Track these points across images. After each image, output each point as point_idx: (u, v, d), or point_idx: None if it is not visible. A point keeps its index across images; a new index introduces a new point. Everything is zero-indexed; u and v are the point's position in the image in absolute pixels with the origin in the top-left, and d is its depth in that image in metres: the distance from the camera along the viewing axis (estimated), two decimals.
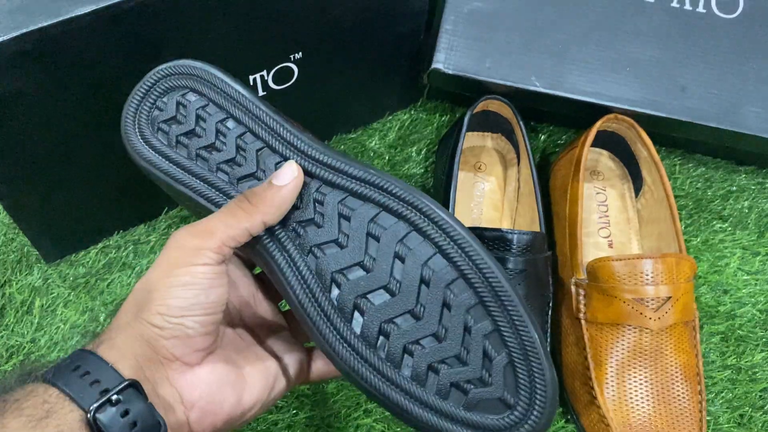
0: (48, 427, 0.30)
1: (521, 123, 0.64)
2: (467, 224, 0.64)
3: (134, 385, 0.32)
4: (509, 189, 0.67)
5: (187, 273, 0.35)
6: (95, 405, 0.31)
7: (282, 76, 0.59)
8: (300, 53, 0.58)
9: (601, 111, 0.63)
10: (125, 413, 0.31)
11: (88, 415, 0.30)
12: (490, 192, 0.67)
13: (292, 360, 0.42)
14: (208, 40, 0.52)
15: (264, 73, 0.58)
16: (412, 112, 0.74)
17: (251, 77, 0.57)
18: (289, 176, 0.38)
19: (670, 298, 0.54)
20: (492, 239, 0.56)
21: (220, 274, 0.36)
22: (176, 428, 0.34)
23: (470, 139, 0.70)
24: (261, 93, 0.60)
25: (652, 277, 0.54)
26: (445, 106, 0.74)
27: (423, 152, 0.72)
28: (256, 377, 0.39)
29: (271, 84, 0.59)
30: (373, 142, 0.71)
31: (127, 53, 0.49)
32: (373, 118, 0.73)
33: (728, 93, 0.63)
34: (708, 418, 0.59)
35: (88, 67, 0.48)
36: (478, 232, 0.56)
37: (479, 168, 0.69)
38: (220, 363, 0.38)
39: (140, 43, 0.49)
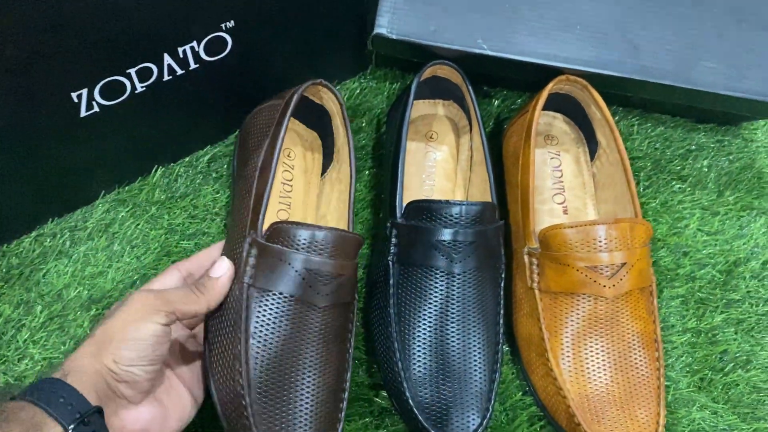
0: None
1: (470, 88, 0.61)
2: (419, 196, 0.62)
3: (100, 411, 0.40)
4: (462, 158, 0.65)
5: (141, 329, 0.43)
6: (73, 425, 0.38)
7: (215, 47, 0.56)
8: (232, 21, 0.55)
9: (553, 73, 0.61)
10: None
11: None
12: (442, 161, 0.65)
13: (200, 390, 0.50)
14: (127, 11, 0.48)
15: (194, 44, 0.55)
16: (362, 81, 0.71)
17: (180, 49, 0.54)
18: (222, 270, 0.48)
19: (624, 264, 0.52)
20: (439, 211, 0.54)
21: (166, 333, 0.44)
22: None
23: (421, 107, 0.67)
24: (193, 66, 0.56)
25: (605, 244, 0.52)
26: (395, 74, 0.71)
27: (374, 122, 0.69)
28: (175, 409, 0.47)
29: (203, 56, 0.56)
30: None
31: (37, 31, 0.45)
32: None
33: (683, 49, 0.60)
34: (668, 383, 0.58)
35: None
36: (426, 204, 0.54)
37: (431, 137, 0.66)
38: (154, 401, 0.46)
39: (51, 19, 0.45)
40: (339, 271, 0.48)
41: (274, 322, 0.47)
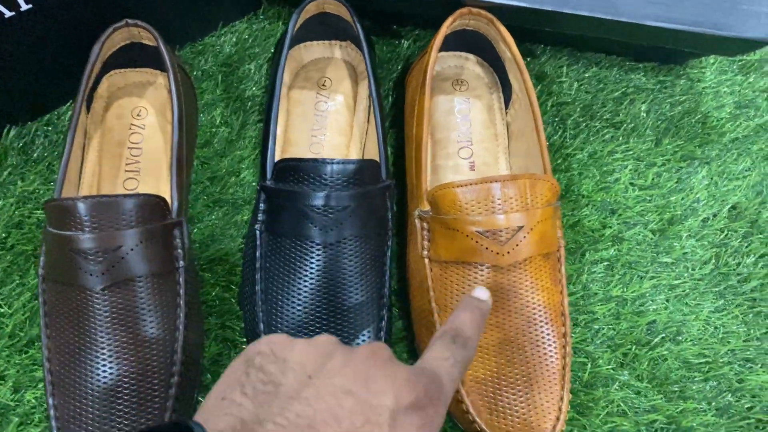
0: None
1: (359, 26, 0.53)
2: (305, 154, 0.55)
3: None
4: (359, 108, 0.57)
5: None
6: None
7: None
8: None
9: (455, 5, 0.52)
10: None
11: None
12: (335, 113, 0.57)
13: None
14: None
15: None
16: (252, 22, 0.62)
17: None
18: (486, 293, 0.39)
19: (522, 227, 0.45)
20: (309, 171, 0.46)
21: None
22: None
23: (314, 50, 0.59)
24: (25, 6, 0.48)
25: (500, 205, 0.45)
26: (290, 12, 0.63)
27: (263, 68, 0.60)
28: None
29: (21, 3, 0.47)
30: (203, 60, 0.60)
31: None
32: (202, 33, 0.61)
33: None
34: (585, 359, 0.52)
35: None
36: (293, 164, 0.47)
37: (323, 84, 0.58)
38: None
39: None
40: (112, 244, 0.42)
41: (63, 313, 0.43)
